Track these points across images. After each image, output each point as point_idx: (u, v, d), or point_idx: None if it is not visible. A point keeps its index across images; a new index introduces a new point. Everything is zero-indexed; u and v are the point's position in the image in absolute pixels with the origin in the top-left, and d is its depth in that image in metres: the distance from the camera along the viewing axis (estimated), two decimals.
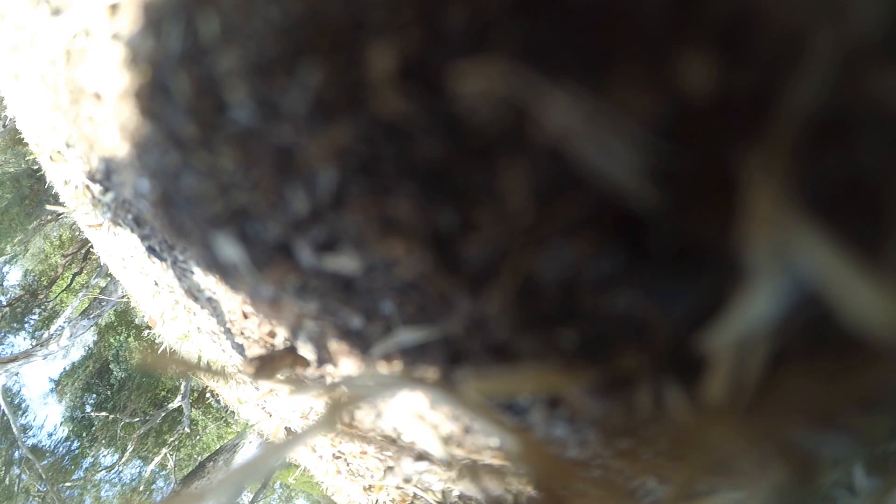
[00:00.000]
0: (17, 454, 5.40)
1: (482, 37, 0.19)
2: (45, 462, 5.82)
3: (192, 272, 0.39)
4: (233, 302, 0.37)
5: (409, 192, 0.22)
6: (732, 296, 0.19)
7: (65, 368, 6.73)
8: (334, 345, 0.31)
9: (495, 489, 0.32)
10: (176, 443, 5.87)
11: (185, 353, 0.77)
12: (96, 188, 0.43)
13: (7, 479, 5.27)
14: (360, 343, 0.30)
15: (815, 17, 0.16)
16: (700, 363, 0.21)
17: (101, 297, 4.29)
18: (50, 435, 6.43)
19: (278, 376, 0.35)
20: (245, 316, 0.37)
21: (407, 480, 0.40)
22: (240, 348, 0.42)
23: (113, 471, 6.25)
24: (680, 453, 0.24)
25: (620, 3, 0.17)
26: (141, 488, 6.07)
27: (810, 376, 0.21)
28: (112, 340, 6.36)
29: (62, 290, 6.41)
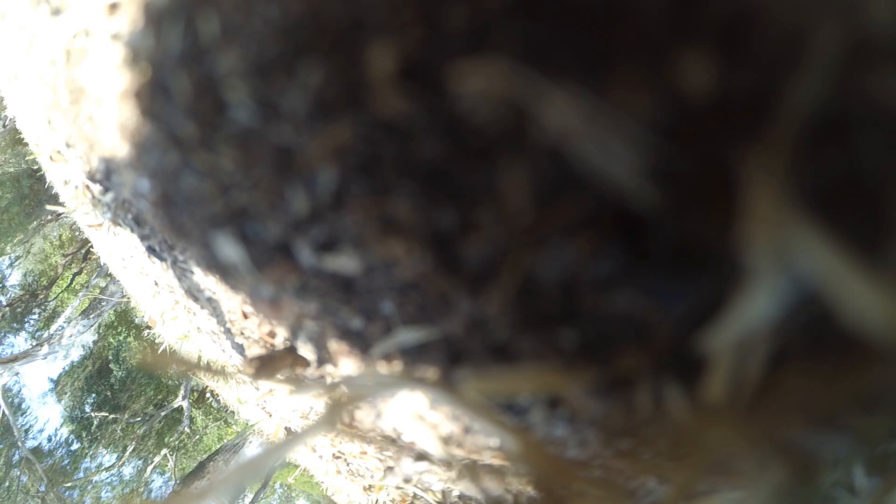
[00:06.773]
0: (16, 455, 5.40)
1: (482, 37, 0.19)
2: (45, 463, 5.81)
3: (192, 272, 0.39)
4: (233, 302, 0.37)
5: (409, 192, 0.22)
6: (732, 296, 0.19)
7: (65, 368, 6.72)
8: (334, 345, 0.31)
9: (495, 489, 0.32)
10: (176, 443, 5.87)
11: (185, 353, 0.77)
12: (96, 188, 0.43)
13: (7, 480, 5.26)
14: (360, 343, 0.29)
15: (815, 17, 0.16)
16: (700, 363, 0.21)
17: (101, 297, 4.29)
18: (50, 437, 6.43)
19: (278, 376, 0.35)
20: (245, 316, 0.37)
21: (407, 480, 0.40)
22: (240, 348, 0.42)
23: (113, 471, 6.25)
24: (680, 453, 0.24)
25: (620, 4, 0.17)
26: (141, 489, 6.07)
27: (810, 376, 0.21)
28: (112, 340, 6.36)
29: (62, 290, 6.41)
